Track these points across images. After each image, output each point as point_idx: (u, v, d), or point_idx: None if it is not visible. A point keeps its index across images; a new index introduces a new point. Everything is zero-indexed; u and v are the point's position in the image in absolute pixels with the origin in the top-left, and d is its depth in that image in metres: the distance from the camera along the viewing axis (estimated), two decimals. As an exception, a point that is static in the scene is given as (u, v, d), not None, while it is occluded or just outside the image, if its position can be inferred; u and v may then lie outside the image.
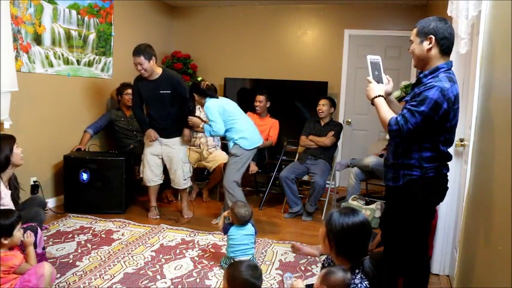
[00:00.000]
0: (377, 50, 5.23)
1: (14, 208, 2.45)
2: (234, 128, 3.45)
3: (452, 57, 1.96)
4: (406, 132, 1.80)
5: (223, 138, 4.95)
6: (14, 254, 2.06)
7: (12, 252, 2.06)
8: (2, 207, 2.35)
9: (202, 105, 3.53)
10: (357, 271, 1.70)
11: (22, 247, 2.21)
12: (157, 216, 3.85)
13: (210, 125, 3.42)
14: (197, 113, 4.61)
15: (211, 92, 3.53)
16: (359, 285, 1.66)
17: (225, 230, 2.81)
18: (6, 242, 2.05)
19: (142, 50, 3.42)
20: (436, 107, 1.77)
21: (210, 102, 3.46)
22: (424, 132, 1.83)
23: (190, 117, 3.63)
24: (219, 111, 3.42)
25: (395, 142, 1.98)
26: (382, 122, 1.90)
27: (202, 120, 3.63)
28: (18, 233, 2.10)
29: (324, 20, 5.38)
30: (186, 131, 3.72)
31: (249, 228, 2.81)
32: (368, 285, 1.67)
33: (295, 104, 5.26)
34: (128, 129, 4.43)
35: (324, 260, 2.02)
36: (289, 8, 5.44)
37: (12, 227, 2.06)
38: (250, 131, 3.51)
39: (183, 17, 5.84)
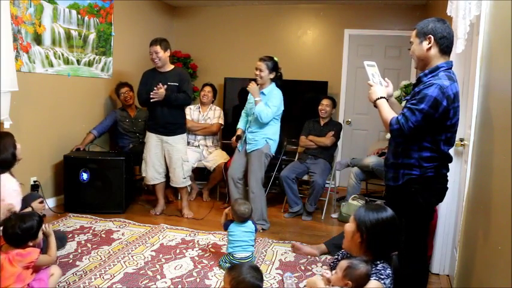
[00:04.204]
0: (377, 50, 5.24)
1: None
2: (275, 127, 3.51)
3: (451, 57, 1.96)
4: (407, 131, 1.82)
5: (224, 138, 4.99)
6: (30, 251, 2.10)
7: (28, 249, 2.11)
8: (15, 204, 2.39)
9: (261, 84, 3.43)
10: (378, 262, 1.73)
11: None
12: (157, 213, 3.88)
13: (270, 107, 3.37)
14: (187, 112, 4.57)
15: (280, 81, 3.56)
16: (381, 271, 1.69)
17: (225, 227, 2.85)
18: (31, 243, 2.12)
19: (159, 41, 3.58)
20: (435, 104, 1.78)
21: (278, 90, 3.48)
22: (425, 130, 1.84)
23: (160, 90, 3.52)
24: (280, 103, 3.46)
25: (396, 142, 1.99)
26: (384, 123, 1.94)
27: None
28: (40, 232, 2.19)
29: (324, 20, 5.38)
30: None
31: (249, 226, 2.83)
32: (390, 274, 1.69)
33: (295, 104, 5.25)
34: (131, 131, 4.43)
35: (334, 259, 2.01)
36: (289, 8, 5.44)
37: (38, 230, 2.14)
38: (278, 138, 3.61)
39: (183, 17, 5.84)
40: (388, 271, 1.72)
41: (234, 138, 3.64)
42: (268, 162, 3.57)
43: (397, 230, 1.77)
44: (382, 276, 1.70)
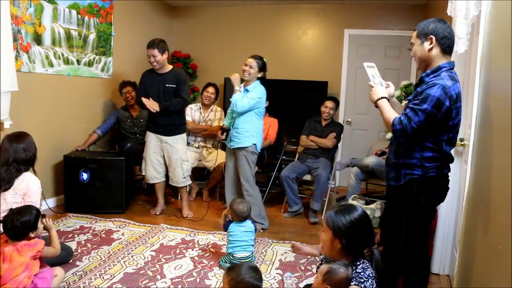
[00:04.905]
0: (377, 50, 5.24)
1: None
2: (257, 124, 3.51)
3: (452, 57, 1.97)
4: (410, 131, 1.82)
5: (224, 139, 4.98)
6: (36, 241, 2.21)
7: (35, 239, 2.20)
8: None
9: (247, 81, 3.48)
10: (358, 263, 1.72)
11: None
12: (157, 213, 3.88)
13: (247, 98, 3.37)
14: (188, 112, 4.56)
15: (261, 82, 3.59)
16: (361, 273, 1.67)
17: (225, 227, 2.85)
18: (33, 235, 2.20)
19: (157, 43, 3.59)
20: (438, 104, 1.78)
21: (262, 86, 3.52)
22: (427, 130, 1.84)
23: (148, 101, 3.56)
24: (261, 98, 3.48)
25: (398, 142, 1.99)
26: (386, 123, 1.94)
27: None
28: (40, 224, 2.28)
29: (324, 20, 5.38)
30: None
31: (249, 225, 2.84)
32: (371, 274, 1.68)
33: (295, 104, 5.26)
34: (131, 131, 4.43)
35: (319, 262, 2.01)
36: (289, 8, 5.44)
37: (36, 221, 2.23)
38: (262, 135, 3.63)
39: (183, 17, 5.84)
40: (369, 271, 1.69)
41: (220, 132, 3.66)
42: (255, 160, 3.57)
43: (369, 225, 1.78)
44: (362, 280, 1.67)
